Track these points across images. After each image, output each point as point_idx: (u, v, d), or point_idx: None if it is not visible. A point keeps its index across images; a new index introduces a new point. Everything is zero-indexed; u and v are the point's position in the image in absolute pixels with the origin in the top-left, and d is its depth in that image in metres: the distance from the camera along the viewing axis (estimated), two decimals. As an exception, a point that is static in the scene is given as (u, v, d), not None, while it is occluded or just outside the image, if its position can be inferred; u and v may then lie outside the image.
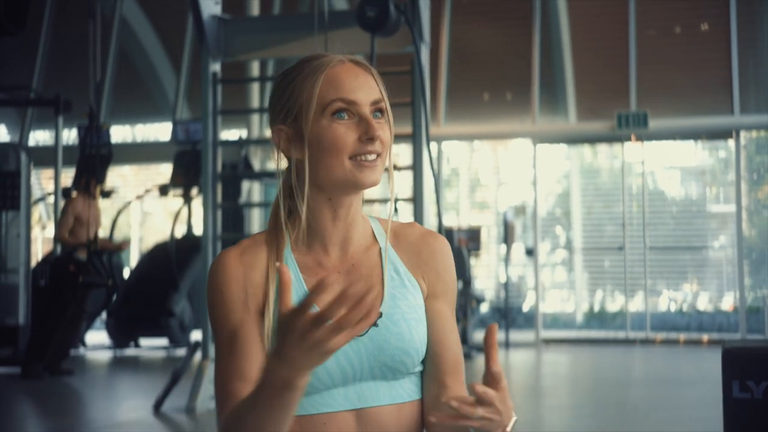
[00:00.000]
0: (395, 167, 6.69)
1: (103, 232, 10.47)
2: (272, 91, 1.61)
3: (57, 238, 8.61)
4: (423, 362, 1.61)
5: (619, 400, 7.22)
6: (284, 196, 1.59)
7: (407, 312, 1.57)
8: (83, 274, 7.91)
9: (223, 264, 1.55)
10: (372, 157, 1.52)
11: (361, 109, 1.53)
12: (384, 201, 6.97)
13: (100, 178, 8.70)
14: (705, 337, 11.71)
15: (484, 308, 13.39)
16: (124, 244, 9.19)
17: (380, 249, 1.62)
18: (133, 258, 14.29)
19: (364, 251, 1.61)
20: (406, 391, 1.58)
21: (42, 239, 14.02)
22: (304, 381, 1.34)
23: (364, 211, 1.65)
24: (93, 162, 8.13)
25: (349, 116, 1.53)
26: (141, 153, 13.42)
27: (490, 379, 1.39)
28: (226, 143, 8.98)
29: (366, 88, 1.54)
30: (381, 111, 1.56)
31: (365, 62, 1.58)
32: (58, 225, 8.59)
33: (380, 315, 1.54)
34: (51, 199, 11.16)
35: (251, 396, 1.40)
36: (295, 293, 1.53)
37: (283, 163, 1.60)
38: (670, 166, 12.92)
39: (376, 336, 1.53)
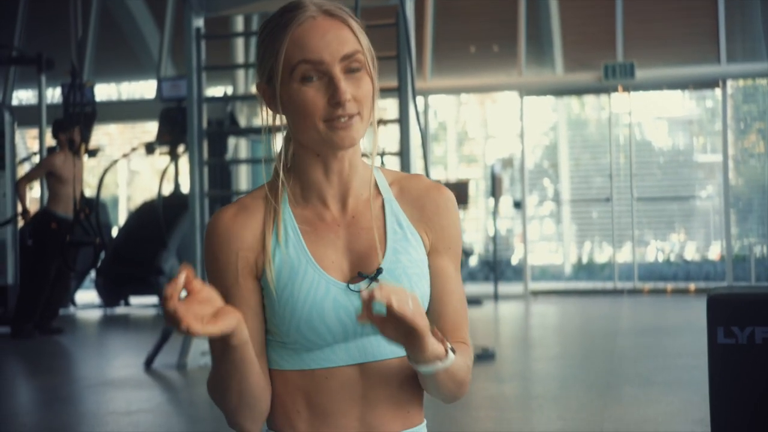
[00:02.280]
0: (382, 121, 6.67)
1: (89, 191, 10.43)
2: (256, 45, 1.59)
3: (18, 181, 8.56)
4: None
5: (607, 349, 7.29)
6: (285, 150, 1.58)
7: (409, 267, 1.54)
8: (70, 232, 7.88)
9: (216, 226, 1.54)
10: (344, 119, 1.47)
11: (329, 69, 1.46)
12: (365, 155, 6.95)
13: (86, 137, 8.64)
14: (692, 286, 11.79)
15: (473, 261, 13.44)
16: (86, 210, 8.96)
17: (383, 201, 1.58)
18: (121, 217, 14.27)
19: (366, 203, 1.57)
20: None
21: (29, 199, 13.96)
22: (232, 340, 1.41)
23: None
24: (76, 119, 8.07)
25: (318, 77, 1.47)
26: (126, 111, 13.33)
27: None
28: (212, 100, 8.93)
29: (336, 44, 1.47)
30: (358, 63, 1.49)
31: (341, 12, 1.51)
32: (25, 174, 8.54)
33: (381, 270, 1.52)
34: (36, 158, 11.10)
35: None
36: (293, 247, 1.52)
37: (270, 120, 1.56)
38: (657, 116, 12.92)
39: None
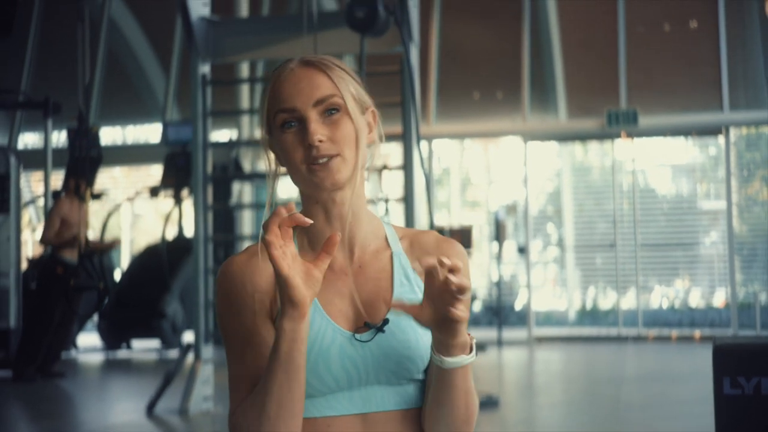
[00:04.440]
0: (385, 167, 6.70)
1: (92, 234, 10.43)
2: None
3: (43, 240, 8.57)
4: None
5: (611, 397, 7.24)
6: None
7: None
8: (74, 277, 7.88)
9: (229, 271, 1.55)
10: (322, 160, 1.51)
11: (301, 114, 1.52)
12: (372, 201, 6.97)
13: (92, 180, 8.69)
14: (697, 333, 11.73)
15: (477, 307, 13.39)
16: (115, 243, 9.15)
17: (392, 254, 1.60)
18: (124, 260, 14.26)
19: (374, 254, 1.59)
20: (412, 397, 1.56)
21: (32, 242, 13.98)
22: (291, 326, 1.40)
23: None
24: (83, 164, 8.11)
25: (297, 123, 1.52)
26: (131, 155, 13.39)
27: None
28: (217, 145, 8.97)
29: (308, 90, 1.52)
30: (335, 107, 1.53)
31: (321, 60, 1.56)
32: (45, 227, 8.58)
33: (387, 321, 1.53)
34: (41, 201, 11.12)
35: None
36: None
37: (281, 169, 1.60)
38: (661, 163, 12.94)
39: (382, 342, 1.52)
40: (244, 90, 12.53)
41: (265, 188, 12.62)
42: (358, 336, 1.52)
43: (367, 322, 1.53)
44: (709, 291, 12.56)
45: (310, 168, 1.51)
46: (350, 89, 1.55)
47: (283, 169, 1.59)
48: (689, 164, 12.86)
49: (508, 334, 11.99)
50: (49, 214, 8.63)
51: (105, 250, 9.21)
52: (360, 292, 1.56)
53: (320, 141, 1.50)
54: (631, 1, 11.90)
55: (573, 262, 12.93)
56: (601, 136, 12.04)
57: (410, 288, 1.58)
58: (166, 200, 11.41)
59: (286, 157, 1.53)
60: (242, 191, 12.17)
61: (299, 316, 1.39)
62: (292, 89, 1.52)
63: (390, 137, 6.29)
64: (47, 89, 10.65)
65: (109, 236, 9.54)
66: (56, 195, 9.28)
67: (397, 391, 1.54)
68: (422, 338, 1.54)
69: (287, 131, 1.52)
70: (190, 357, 6.79)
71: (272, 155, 1.58)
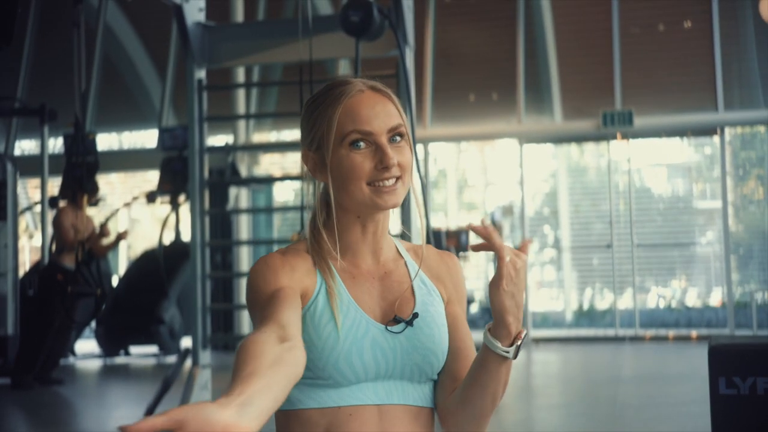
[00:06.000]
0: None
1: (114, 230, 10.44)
2: (301, 116, 1.72)
3: (60, 251, 8.60)
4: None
5: (609, 398, 7.25)
6: (321, 209, 1.72)
7: (436, 317, 1.69)
8: (72, 283, 7.89)
9: (268, 260, 1.64)
10: (390, 182, 1.63)
11: (377, 138, 1.63)
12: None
13: (89, 187, 8.69)
14: (694, 333, 11.76)
15: (474, 308, 13.41)
16: (123, 234, 9.20)
17: (405, 263, 1.75)
18: (121, 266, 14.27)
19: (393, 262, 1.74)
20: (426, 396, 1.69)
21: (29, 248, 13.98)
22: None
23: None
24: (79, 171, 8.13)
25: (366, 145, 1.63)
26: (128, 160, 13.38)
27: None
28: (213, 150, 8.98)
29: (383, 116, 1.64)
30: (400, 135, 1.66)
31: (385, 89, 1.69)
32: (59, 238, 8.60)
33: (416, 315, 1.66)
34: (38, 208, 11.12)
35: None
36: (338, 294, 1.64)
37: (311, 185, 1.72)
38: (656, 163, 12.97)
39: (411, 335, 1.65)
40: (240, 94, 12.54)
41: (260, 192, 12.63)
42: (390, 328, 1.63)
43: (397, 317, 1.65)
44: (706, 291, 12.59)
45: (375, 188, 1.63)
46: (407, 119, 1.69)
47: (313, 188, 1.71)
48: (685, 164, 12.89)
49: (506, 335, 11.97)
50: (58, 225, 8.65)
51: (115, 243, 9.27)
52: (387, 294, 1.69)
53: (393, 165, 1.62)
54: (626, 2, 11.93)
55: (570, 263, 12.96)
56: (597, 137, 12.07)
57: (427, 291, 1.73)
58: (162, 205, 11.41)
59: (348, 174, 1.62)
60: (239, 196, 12.17)
61: None
62: (369, 112, 1.64)
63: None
64: (43, 96, 10.66)
65: (105, 243, 9.53)
66: (53, 201, 9.28)
67: (415, 388, 1.66)
68: (443, 335, 1.69)
69: (355, 151, 1.63)
70: (188, 362, 6.79)
71: (309, 174, 1.71)
